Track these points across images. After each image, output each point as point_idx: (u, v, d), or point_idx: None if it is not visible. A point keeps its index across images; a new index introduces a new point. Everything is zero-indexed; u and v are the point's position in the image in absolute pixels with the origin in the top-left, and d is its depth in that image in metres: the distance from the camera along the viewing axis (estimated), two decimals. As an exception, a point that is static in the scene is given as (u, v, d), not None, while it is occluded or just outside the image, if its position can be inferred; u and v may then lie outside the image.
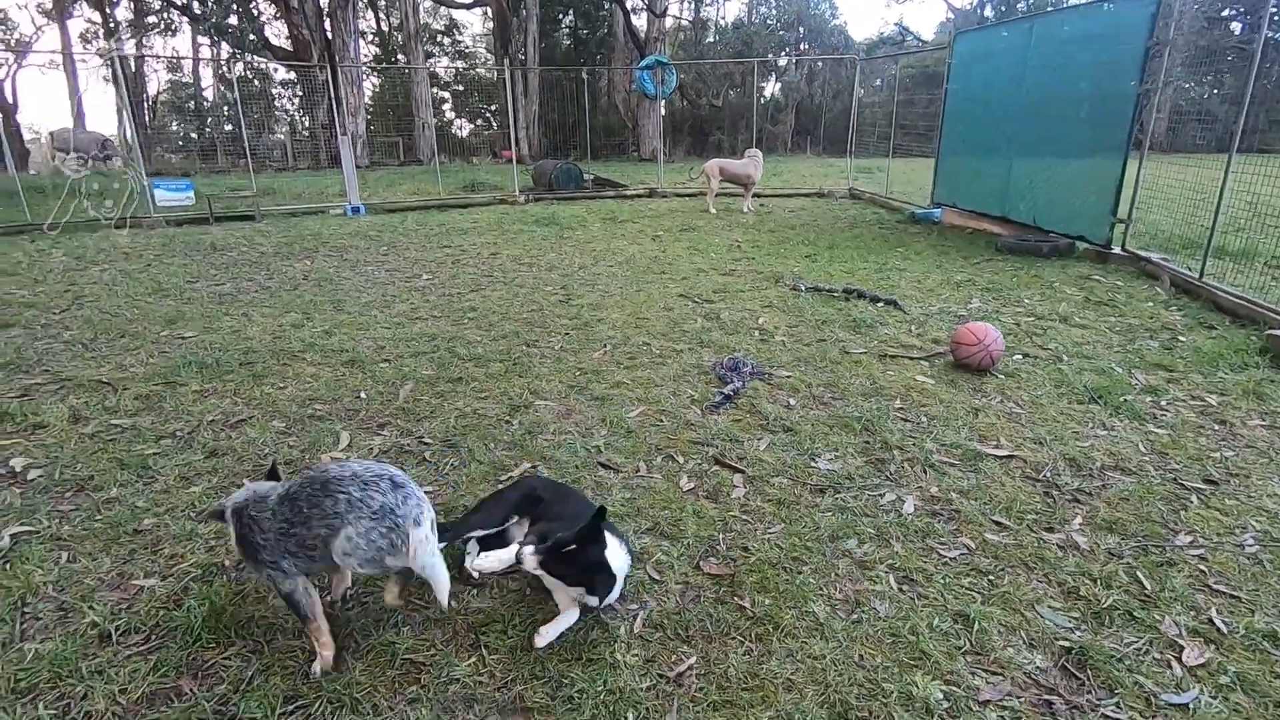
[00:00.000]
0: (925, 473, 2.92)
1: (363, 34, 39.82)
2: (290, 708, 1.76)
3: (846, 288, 5.85)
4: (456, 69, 42.71)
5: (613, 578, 1.97)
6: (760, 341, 4.62)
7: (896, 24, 37.45)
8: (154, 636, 1.98)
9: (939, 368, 4.11)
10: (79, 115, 33.16)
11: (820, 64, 32.55)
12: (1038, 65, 8.21)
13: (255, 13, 27.05)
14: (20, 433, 3.32)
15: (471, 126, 46.69)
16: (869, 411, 3.48)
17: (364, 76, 28.72)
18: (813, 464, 3.00)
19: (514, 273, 6.86)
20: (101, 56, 32.56)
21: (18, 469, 2.95)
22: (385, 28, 40.82)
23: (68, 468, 2.96)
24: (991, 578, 2.26)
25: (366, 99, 30.74)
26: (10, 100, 35.84)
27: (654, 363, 4.22)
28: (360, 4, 36.12)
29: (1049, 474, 2.91)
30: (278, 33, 29.75)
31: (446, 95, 43.34)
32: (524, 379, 3.95)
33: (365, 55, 37.36)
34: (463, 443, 3.19)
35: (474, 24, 44.01)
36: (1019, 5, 30.33)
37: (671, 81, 15.02)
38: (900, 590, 2.21)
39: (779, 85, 35.95)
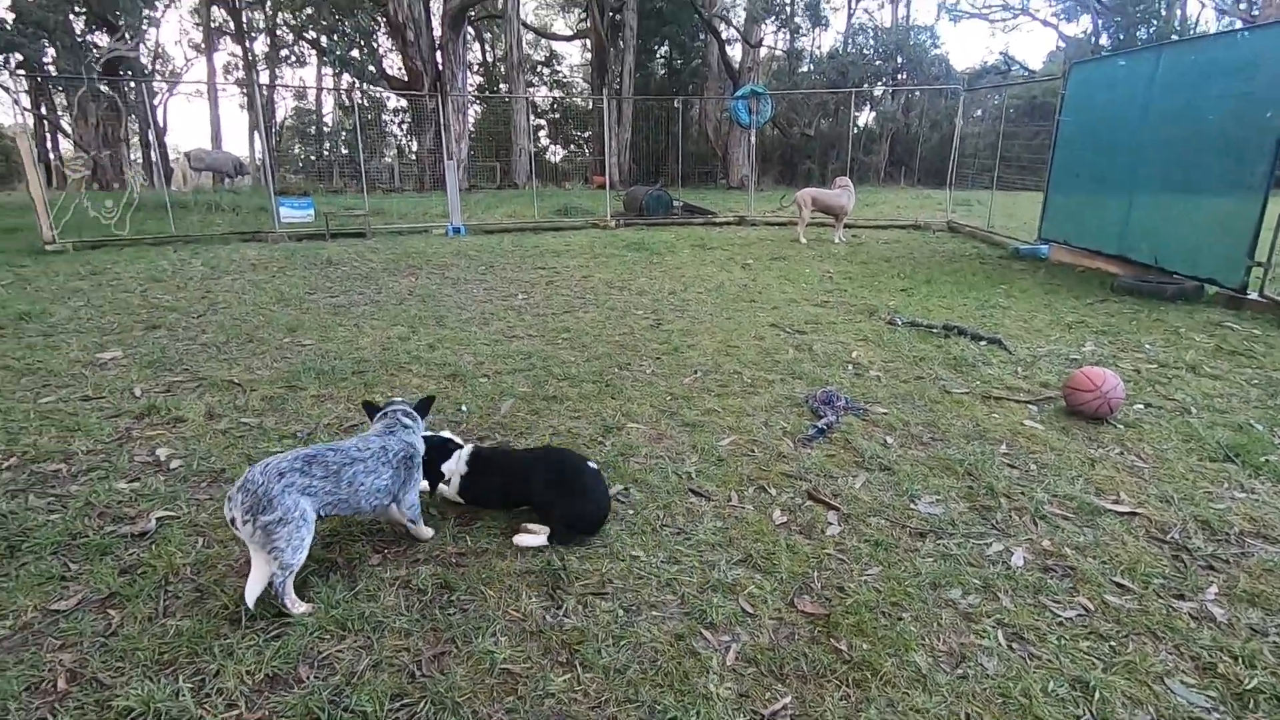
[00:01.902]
0: (1036, 524, 2.76)
1: (469, 65, 42.07)
2: (397, 705, 1.84)
3: (946, 324, 5.64)
4: (554, 98, 44.29)
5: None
6: (854, 376, 4.52)
7: (1001, 54, 36.16)
8: (276, 624, 2.12)
9: (1049, 413, 3.89)
10: (217, 137, 36.54)
11: (918, 94, 31.81)
12: (1163, 96, 7.73)
13: (375, 46, 29.07)
14: (164, 425, 3.66)
15: (565, 152, 48.29)
16: (972, 455, 3.33)
17: (469, 105, 30.25)
18: (912, 506, 2.89)
19: (606, 296, 7.01)
20: (241, 87, 35.74)
21: (162, 458, 3.25)
22: (490, 59, 42.96)
23: (203, 460, 3.23)
24: (1114, 644, 2.10)
25: (470, 125, 32.33)
26: (161, 124, 39.89)
27: (745, 391, 4.20)
28: (469, 37, 38.21)
29: (1178, 536, 2.69)
30: (392, 64, 31.87)
31: (543, 123, 45.04)
32: (616, 401, 4.02)
33: (471, 85, 39.38)
34: (557, 460, 3.26)
35: (573, 55, 45.63)
36: (1139, 34, 28.69)
37: (766, 111, 15.07)
38: (1010, 648, 2.09)
39: (874, 115, 35.33)
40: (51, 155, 34.44)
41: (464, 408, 3.88)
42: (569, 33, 40.36)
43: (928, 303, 6.68)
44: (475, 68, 44.18)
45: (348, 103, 28.64)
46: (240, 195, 19.47)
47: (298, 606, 2.10)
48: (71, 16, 21.80)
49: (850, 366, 4.71)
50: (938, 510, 2.87)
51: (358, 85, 27.96)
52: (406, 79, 25.96)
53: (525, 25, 35.85)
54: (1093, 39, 30.69)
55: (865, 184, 29.70)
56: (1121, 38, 28.74)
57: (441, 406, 3.89)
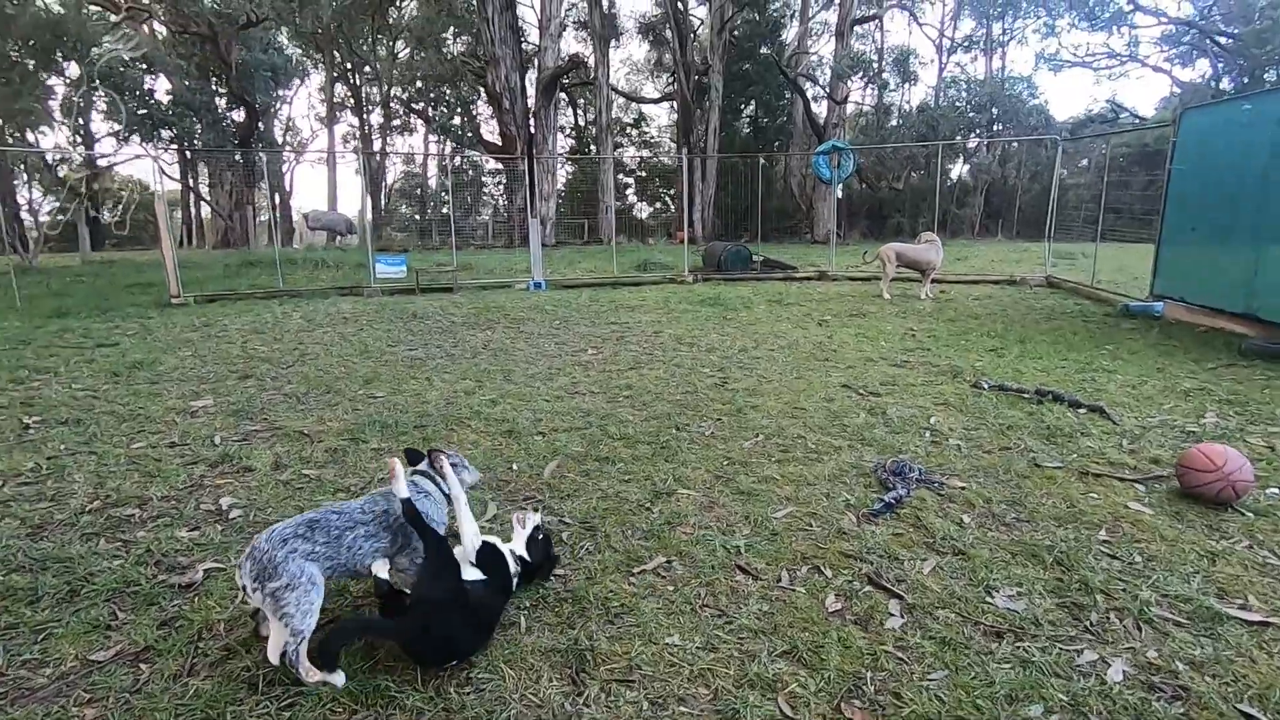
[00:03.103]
0: (1139, 630, 2.38)
1: (562, 129, 44.24)
2: (394, 795, 1.73)
3: (1040, 389, 5.17)
4: (641, 157, 45.73)
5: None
6: (931, 444, 4.18)
7: (1108, 101, 34.42)
8: (291, 692, 2.07)
9: (1160, 495, 3.43)
10: (333, 199, 39.83)
11: (1015, 145, 30.66)
12: (1295, 141, 7.02)
13: (474, 114, 31.08)
14: (234, 473, 3.81)
15: (651, 209, 49.48)
16: (1064, 541, 2.95)
17: (558, 166, 31.63)
18: (988, 600, 2.56)
19: (674, 352, 6.93)
20: (356, 154, 38.95)
21: (224, 507, 3.36)
22: (582, 122, 45.04)
23: (260, 511, 3.32)
24: (1237, 793, 1.73)
25: (560, 185, 33.77)
26: (288, 189, 43.92)
27: (808, 458, 3.95)
28: (562, 103, 40.29)
29: (1324, 656, 2.23)
30: (490, 130, 33.97)
31: (630, 181, 46.49)
32: (670, 464, 3.86)
33: (563, 147, 41.35)
34: (601, 527, 3.14)
35: (660, 116, 47.12)
36: (1267, 75, 26.64)
37: (848, 166, 14.87)
38: (1101, 787, 1.75)
39: (967, 167, 34.28)
40: (194, 218, 38.42)
41: (514, 466, 3.83)
42: (656, 95, 41.81)
43: (1020, 364, 6.19)
44: (568, 131, 46.43)
45: (449, 165, 30.65)
46: (348, 253, 20.93)
47: (311, 675, 2.04)
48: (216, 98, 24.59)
49: (927, 433, 4.37)
50: (1019, 606, 2.52)
51: (456, 150, 29.88)
52: (501, 144, 27.52)
53: (615, 90, 37.44)
54: (1212, 83, 28.78)
55: (958, 238, 28.67)
56: (1246, 81, 26.79)
57: (493, 464, 3.87)
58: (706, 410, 4.87)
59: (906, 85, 36.40)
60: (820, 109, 32.20)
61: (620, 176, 44.33)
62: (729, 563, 2.84)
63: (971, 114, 31.28)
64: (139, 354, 6.89)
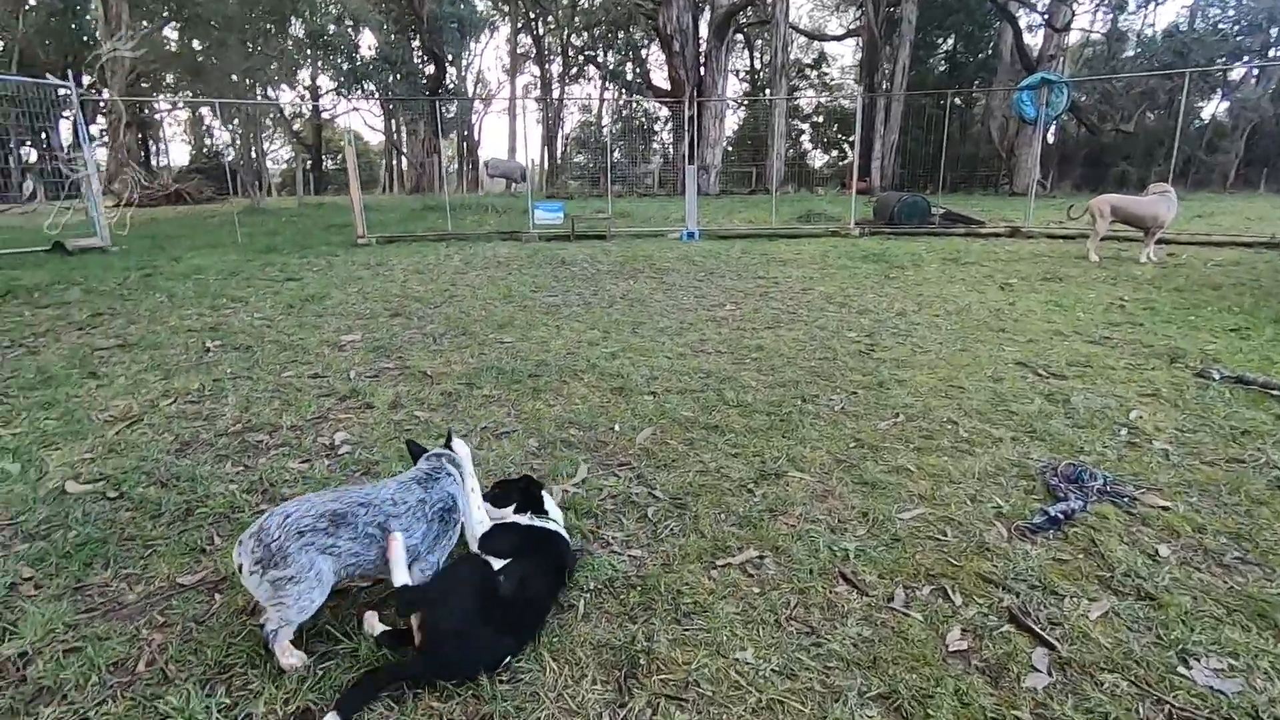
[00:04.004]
0: None
1: (735, 71, 42.61)
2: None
3: (1297, 385, 3.99)
4: (818, 101, 42.94)
5: None
6: (1127, 445, 3.34)
7: None
8: (331, 655, 2.00)
9: None
10: (513, 147, 41.83)
11: (1299, 74, 24.65)
12: None
13: (644, 58, 30.70)
14: (356, 409, 3.94)
15: (827, 157, 46.62)
16: (1312, 602, 2.16)
17: (727, 110, 30.51)
18: (1182, 670, 1.91)
19: (819, 312, 6.29)
20: (537, 103, 40.38)
21: (336, 442, 3.47)
22: (757, 65, 43.03)
23: (366, 449, 3.38)
24: None
25: (728, 131, 32.70)
26: (476, 138, 46.78)
27: (956, 448, 3.31)
28: (738, 45, 38.65)
29: None
30: (661, 75, 33.45)
31: (804, 127, 43.96)
32: (786, 440, 3.42)
33: (734, 91, 39.86)
34: (693, 505, 2.81)
35: (844, 55, 43.79)
36: None
37: (1060, 103, 12.65)
38: None
39: (1225, 104, 28.28)
40: (395, 166, 42.23)
41: (616, 427, 3.59)
42: (840, 32, 38.66)
43: (1273, 351, 4.86)
44: (741, 74, 44.65)
45: (616, 112, 30.77)
46: (518, 199, 21.80)
47: (287, 656, 1.88)
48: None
49: (1123, 431, 3.50)
50: (1229, 687, 1.85)
51: (626, 97, 29.84)
52: (670, 88, 27.00)
53: (795, 29, 35.16)
54: None
55: (1203, 189, 23.98)
56: None
57: (596, 422, 3.66)
58: (842, 381, 4.30)
59: (1151, 5, 30.52)
60: (1035, 39, 27.99)
61: (794, 122, 42.07)
62: (832, 568, 2.40)
63: (1240, 36, 25.53)
64: (315, 289, 7.54)
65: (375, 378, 4.48)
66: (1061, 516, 2.66)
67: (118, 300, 6.92)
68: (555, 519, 2.38)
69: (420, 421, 3.72)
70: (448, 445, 2.39)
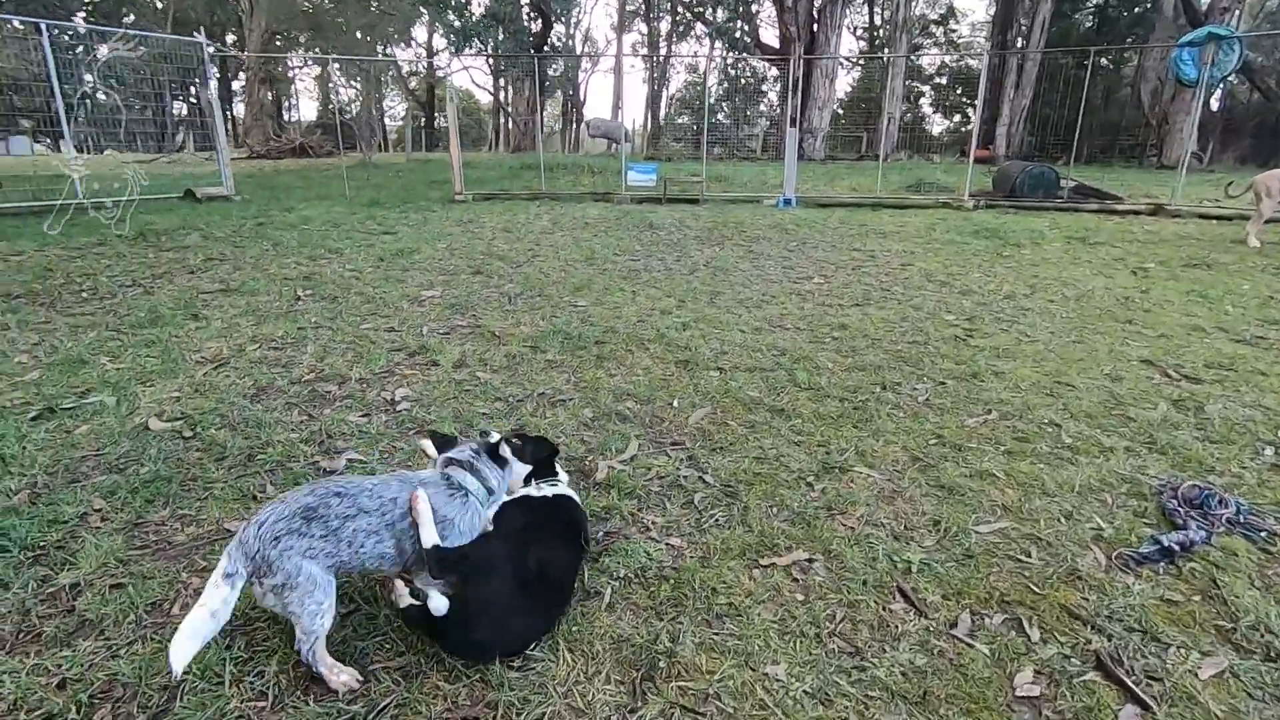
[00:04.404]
0: None
1: (853, 28, 40.19)
2: (386, 771, 1.52)
3: None
4: (942, 60, 39.96)
5: None
6: (1272, 468, 2.84)
7: None
8: (347, 623, 1.98)
9: None
10: (616, 107, 41.54)
11: None
12: None
13: (754, 14, 29.43)
14: (422, 365, 3.97)
15: (948, 123, 43.56)
16: None
17: (839, 70, 28.85)
18: (1314, 757, 1.57)
19: (916, 290, 5.80)
20: (645, 62, 39.80)
21: (397, 398, 3.49)
22: (877, 20, 40.40)
23: (424, 408, 3.38)
24: None
25: (839, 93, 31.01)
26: (581, 97, 46.83)
27: (1055, 455, 2.92)
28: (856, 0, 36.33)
29: None
30: (772, 32, 31.98)
31: (925, 89, 41.11)
32: (858, 431, 3.14)
33: (850, 49, 37.67)
34: (744, 495, 2.62)
35: (975, 10, 40.34)
36: None
37: (1229, 61, 11.00)
38: None
39: None
40: (502, 124, 42.96)
41: (674, 403, 3.42)
42: (974, -17, 35.49)
43: None
44: (859, 31, 42.09)
45: (722, 72, 29.77)
46: (616, 160, 21.64)
47: (336, 673, 1.72)
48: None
49: (1268, 450, 2.98)
50: (1377, 787, 1.50)
51: (730, 54, 28.79)
52: (779, 46, 25.78)
53: (921, -20, 32.61)
54: None
55: (1403, 167, 20.50)
56: None
57: (654, 396, 3.50)
58: (930, 368, 3.92)
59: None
60: (1206, -12, 24.62)
61: (913, 84, 39.41)
62: (889, 581, 2.15)
63: None
64: (406, 243, 7.73)
65: (446, 335, 4.51)
66: (1176, 548, 2.28)
67: (229, 246, 7.36)
68: (562, 479, 2.28)
69: (481, 383, 3.69)
70: (491, 453, 2.11)
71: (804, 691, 1.75)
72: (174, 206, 10.62)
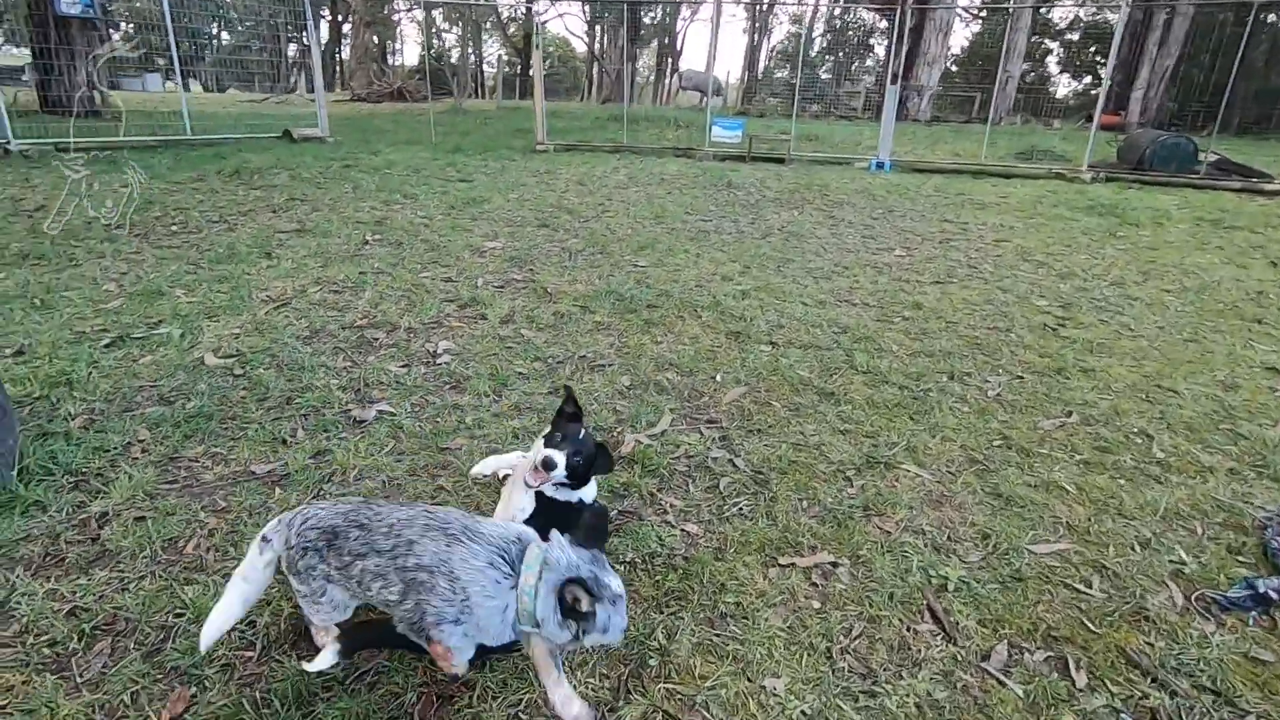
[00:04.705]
0: None
1: (977, -24, 36.96)
2: (352, 741, 1.49)
3: None
4: (1076, 14, 36.23)
5: None
6: None
7: None
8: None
9: None
10: (712, 60, 40.17)
11: None
12: None
13: (868, -42, 27.49)
14: (470, 318, 3.94)
15: (1076, 85, 39.85)
16: None
17: (953, 22, 26.63)
18: None
19: (1008, 270, 5.30)
20: (746, 10, 38.12)
21: (439, 350, 3.47)
22: (1005, -32, 36.95)
23: (463, 363, 3.34)
24: None
25: (953, 49, 28.74)
26: (677, 48, 45.50)
27: (1140, 471, 2.58)
28: (984, -58, 33.31)
29: None
30: (886, -21, 29.79)
31: (1053, 46, 37.56)
32: (914, 424, 2.87)
33: (971, 0, 34.73)
34: (774, 485, 2.44)
35: (1121, -44, 36.25)
36: None
37: None
38: None
39: None
40: (597, 74, 42.49)
41: (718, 377, 3.24)
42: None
43: None
44: (983, -20, 38.65)
45: (826, 23, 28.08)
46: (702, 114, 20.98)
47: (320, 652, 1.53)
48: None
49: None
50: None
51: (835, 2, 27.06)
52: (892, -5, 23.97)
53: (1061, -79, 29.49)
54: None
55: None
56: None
57: (697, 368, 3.32)
58: (1008, 359, 3.55)
59: None
60: None
61: (1039, 39, 36.05)
62: (919, 597, 1.94)
63: None
64: (480, 192, 7.73)
65: (500, 289, 4.46)
66: (1275, 595, 1.95)
67: (313, 188, 7.58)
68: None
69: (524, 341, 3.62)
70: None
71: (802, 712, 1.60)
72: (271, 146, 11.04)
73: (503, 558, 1.41)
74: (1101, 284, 5.01)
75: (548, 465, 1.71)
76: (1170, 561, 2.11)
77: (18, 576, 1.86)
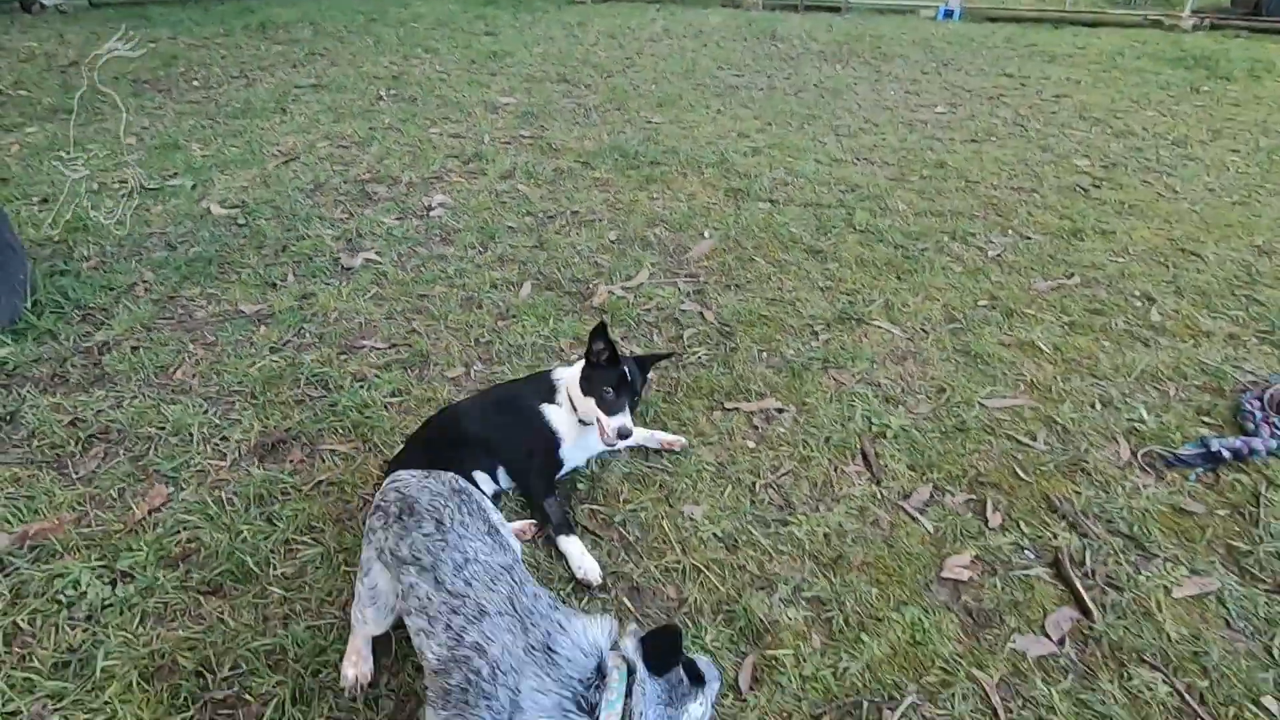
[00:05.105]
0: None
1: None
2: None
3: None
4: None
5: None
6: None
7: None
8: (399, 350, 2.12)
9: None
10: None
11: None
12: None
13: None
14: (470, 173, 3.91)
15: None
16: None
17: None
18: (1267, 703, 1.35)
19: (1058, 129, 4.85)
20: None
21: (433, 204, 3.49)
22: None
23: (455, 216, 3.36)
24: None
25: None
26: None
27: (1129, 333, 2.47)
28: None
29: None
30: None
31: None
32: (900, 283, 2.79)
33: None
34: (739, 338, 2.45)
35: None
36: None
37: None
38: None
39: None
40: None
41: (706, 233, 3.17)
42: None
43: None
44: None
45: None
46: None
47: (348, 663, 1.38)
48: None
49: None
50: (1331, 747, 1.28)
51: None
52: None
53: None
54: None
55: None
56: None
57: (689, 224, 3.25)
58: (1022, 220, 3.34)
59: None
60: None
61: None
62: (856, 443, 1.98)
63: None
64: (504, 45, 7.38)
65: (507, 144, 4.37)
66: (1226, 454, 1.91)
67: (335, 42, 7.37)
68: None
69: (519, 196, 3.59)
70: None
71: (714, 534, 1.71)
72: (299, 0, 10.68)
73: (579, 705, 1.06)
74: (1161, 143, 4.55)
75: (623, 435, 1.67)
76: (1128, 420, 2.07)
77: (27, 392, 2.08)
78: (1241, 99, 5.77)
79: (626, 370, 1.70)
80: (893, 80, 6.29)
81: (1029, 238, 3.15)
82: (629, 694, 1.04)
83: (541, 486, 1.73)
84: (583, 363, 1.76)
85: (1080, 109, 5.36)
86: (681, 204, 3.48)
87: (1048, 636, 1.47)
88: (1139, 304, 2.65)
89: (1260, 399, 2.10)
